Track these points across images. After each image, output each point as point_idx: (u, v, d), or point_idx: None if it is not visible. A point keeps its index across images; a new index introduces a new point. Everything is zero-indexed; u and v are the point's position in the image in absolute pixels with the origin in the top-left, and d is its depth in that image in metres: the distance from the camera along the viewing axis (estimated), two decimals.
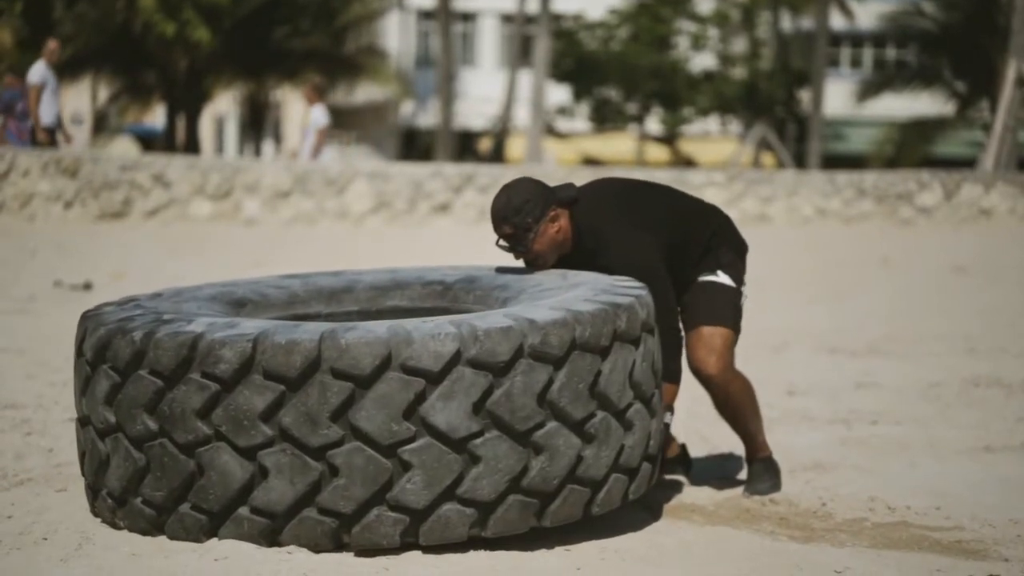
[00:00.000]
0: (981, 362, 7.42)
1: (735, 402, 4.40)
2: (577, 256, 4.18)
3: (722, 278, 4.35)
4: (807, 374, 7.05)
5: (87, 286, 9.40)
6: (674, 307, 4.17)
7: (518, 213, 4.04)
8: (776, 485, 4.48)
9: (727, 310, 4.34)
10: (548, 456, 3.50)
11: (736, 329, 4.38)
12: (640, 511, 4.25)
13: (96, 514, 3.75)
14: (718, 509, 4.31)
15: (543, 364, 3.46)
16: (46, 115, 14.81)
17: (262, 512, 3.40)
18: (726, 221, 4.44)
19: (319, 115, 15.66)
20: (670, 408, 4.12)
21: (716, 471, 4.86)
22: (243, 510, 3.40)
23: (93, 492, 3.70)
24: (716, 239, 4.36)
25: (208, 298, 4.01)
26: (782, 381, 6.77)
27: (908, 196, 16.55)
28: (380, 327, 3.37)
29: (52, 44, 14.85)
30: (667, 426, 4.12)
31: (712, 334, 4.30)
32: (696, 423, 5.53)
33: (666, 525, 4.10)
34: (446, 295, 4.21)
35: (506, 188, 4.12)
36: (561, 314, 3.52)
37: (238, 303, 4.07)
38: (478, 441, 3.40)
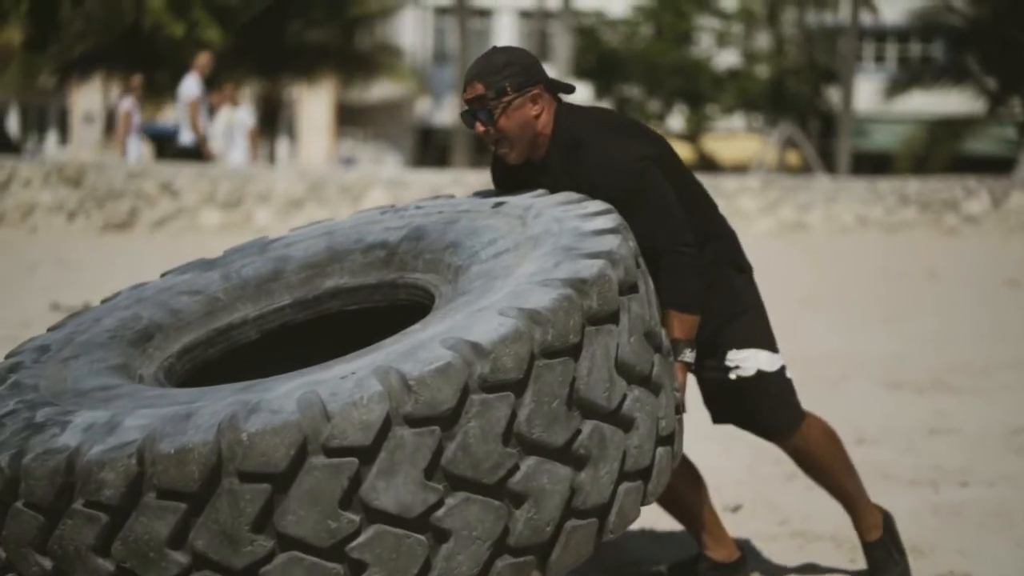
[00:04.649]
0: None
1: (817, 454, 3.70)
2: (550, 167, 3.39)
3: (764, 362, 3.58)
4: (873, 415, 6.43)
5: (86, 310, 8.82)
6: (679, 217, 3.32)
7: (496, 73, 3.27)
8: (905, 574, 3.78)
9: (788, 412, 3.63)
10: (533, 502, 2.82)
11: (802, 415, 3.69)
12: None
13: None
14: None
15: (500, 395, 2.76)
16: (205, 128, 14.85)
17: None
18: (733, 235, 3.63)
19: (245, 116, 15.75)
20: (690, 344, 3.33)
21: (794, 556, 4.17)
22: None
23: None
24: (721, 248, 3.53)
25: (107, 338, 3.29)
26: (848, 424, 6.14)
27: (954, 203, 15.81)
28: (287, 401, 2.69)
29: (204, 58, 14.83)
30: (689, 366, 3.33)
31: (793, 447, 3.69)
32: (760, 485, 4.84)
33: None
34: (391, 262, 3.45)
35: (494, 48, 3.37)
36: (511, 324, 2.78)
37: (144, 336, 3.35)
38: (440, 512, 2.74)
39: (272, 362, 3.50)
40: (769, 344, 3.60)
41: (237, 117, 15.46)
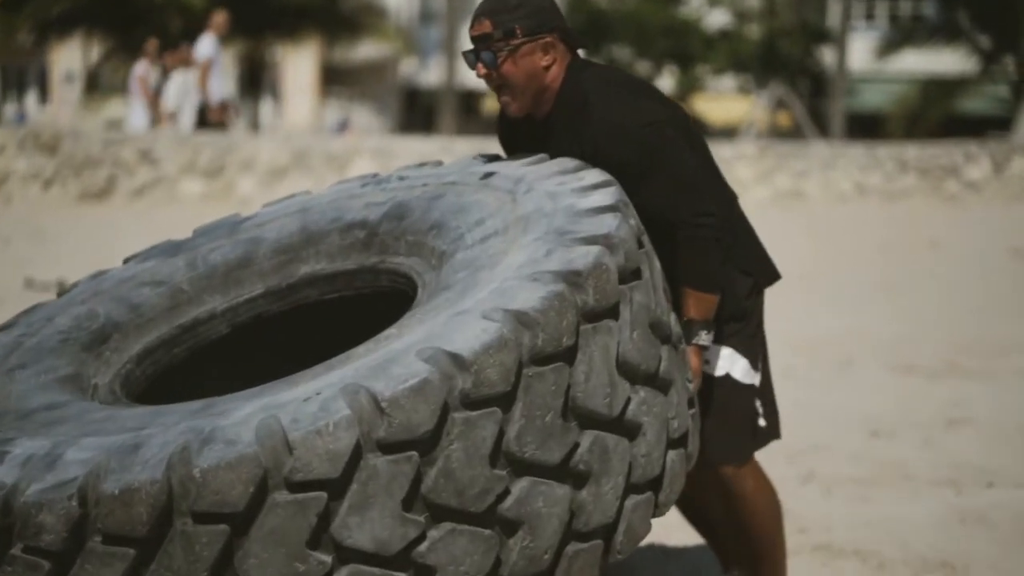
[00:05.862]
0: None
1: (749, 511, 3.20)
2: (554, 125, 3.04)
3: (738, 370, 3.12)
4: (885, 404, 6.16)
5: (61, 288, 8.48)
6: (698, 184, 2.96)
7: (507, 12, 2.95)
8: None
9: (735, 440, 3.13)
10: (528, 528, 2.53)
11: (755, 449, 3.20)
12: None
13: None
14: None
15: (486, 411, 2.47)
16: (216, 91, 14.46)
17: None
18: (751, 233, 3.23)
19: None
20: (706, 325, 2.98)
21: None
22: None
23: None
24: (731, 247, 3.13)
25: (59, 342, 3.02)
26: (860, 415, 5.88)
27: (954, 169, 15.46)
28: (244, 430, 2.40)
29: (220, 17, 14.55)
30: (703, 349, 2.99)
31: (723, 474, 3.16)
32: None
33: None
34: (372, 244, 3.15)
35: None
36: (496, 329, 2.48)
37: (99, 337, 3.06)
38: (423, 547, 2.45)
39: (245, 360, 3.25)
40: (751, 358, 3.16)
41: (191, 80, 15.03)
